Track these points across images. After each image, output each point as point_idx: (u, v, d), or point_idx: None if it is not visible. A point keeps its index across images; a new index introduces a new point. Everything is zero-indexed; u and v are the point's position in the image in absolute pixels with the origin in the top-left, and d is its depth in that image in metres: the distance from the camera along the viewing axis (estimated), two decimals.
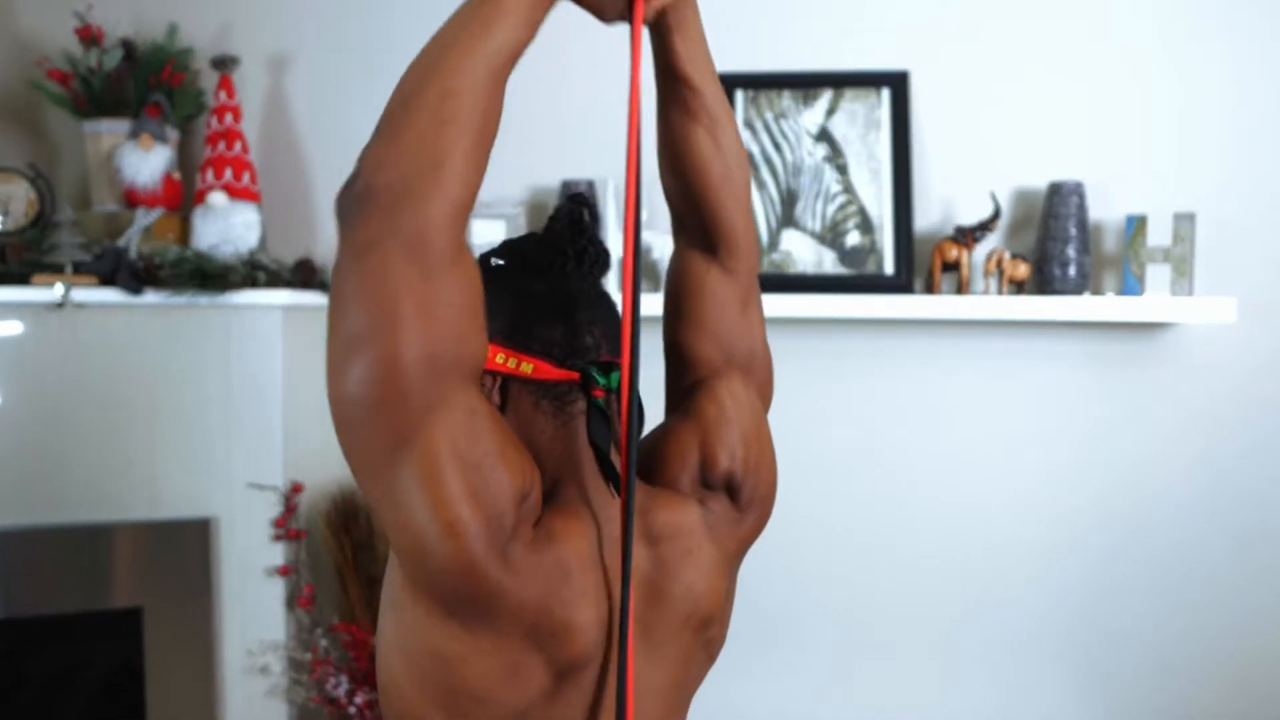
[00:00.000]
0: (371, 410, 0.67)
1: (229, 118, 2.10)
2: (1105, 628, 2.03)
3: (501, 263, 0.87)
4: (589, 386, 0.82)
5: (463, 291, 0.69)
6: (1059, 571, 2.04)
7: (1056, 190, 1.95)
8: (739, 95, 2.12)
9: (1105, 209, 2.00)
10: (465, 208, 0.69)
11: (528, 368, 0.81)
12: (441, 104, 0.67)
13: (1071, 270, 1.94)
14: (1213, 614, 1.99)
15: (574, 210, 0.86)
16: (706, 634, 0.87)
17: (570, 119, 2.15)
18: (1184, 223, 1.89)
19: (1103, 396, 2.02)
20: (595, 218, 0.87)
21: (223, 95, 2.11)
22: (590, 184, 2.09)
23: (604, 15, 0.80)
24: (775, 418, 0.97)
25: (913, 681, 2.10)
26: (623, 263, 0.79)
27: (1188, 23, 1.99)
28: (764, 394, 0.95)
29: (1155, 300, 1.90)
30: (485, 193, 2.24)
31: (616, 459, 0.81)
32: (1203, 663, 2.00)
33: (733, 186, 0.89)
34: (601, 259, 0.86)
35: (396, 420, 0.67)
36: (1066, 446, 2.03)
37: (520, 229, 2.09)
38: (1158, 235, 1.92)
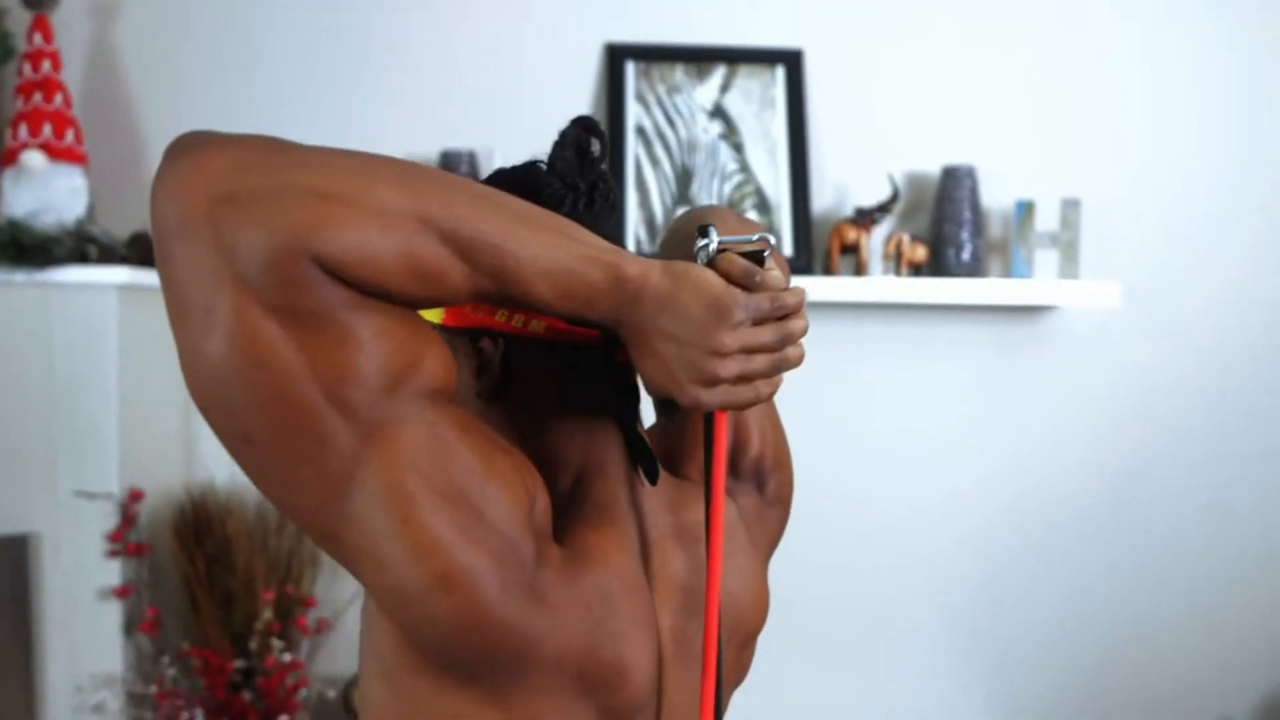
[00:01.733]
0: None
1: (46, 65, 1.79)
2: (999, 606, 2.06)
3: None
4: (613, 348, 0.67)
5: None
6: (952, 550, 2.06)
7: (950, 174, 1.96)
8: (630, 67, 2.01)
9: (996, 194, 2.02)
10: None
11: (539, 326, 0.66)
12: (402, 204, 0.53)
13: (965, 254, 1.95)
14: (1098, 587, 2.06)
15: (581, 138, 0.70)
16: (744, 654, 0.75)
17: (452, 85, 1.98)
18: (1070, 208, 1.93)
19: (995, 379, 2.05)
20: (605, 148, 0.70)
21: (38, 39, 1.80)
22: (473, 155, 1.93)
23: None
24: None
25: (826, 679, 2.06)
26: None
27: (1076, 11, 2.04)
28: None
29: (1044, 284, 1.93)
30: None
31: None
32: (1084, 631, 2.06)
33: None
34: (612, 199, 0.71)
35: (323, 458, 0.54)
36: (963, 428, 2.04)
37: None
38: (1045, 220, 1.95)
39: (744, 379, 0.59)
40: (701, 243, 0.61)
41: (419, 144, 1.94)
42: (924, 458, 2.05)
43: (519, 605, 0.55)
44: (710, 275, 0.58)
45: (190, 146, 0.53)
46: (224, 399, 0.52)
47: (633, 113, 2.00)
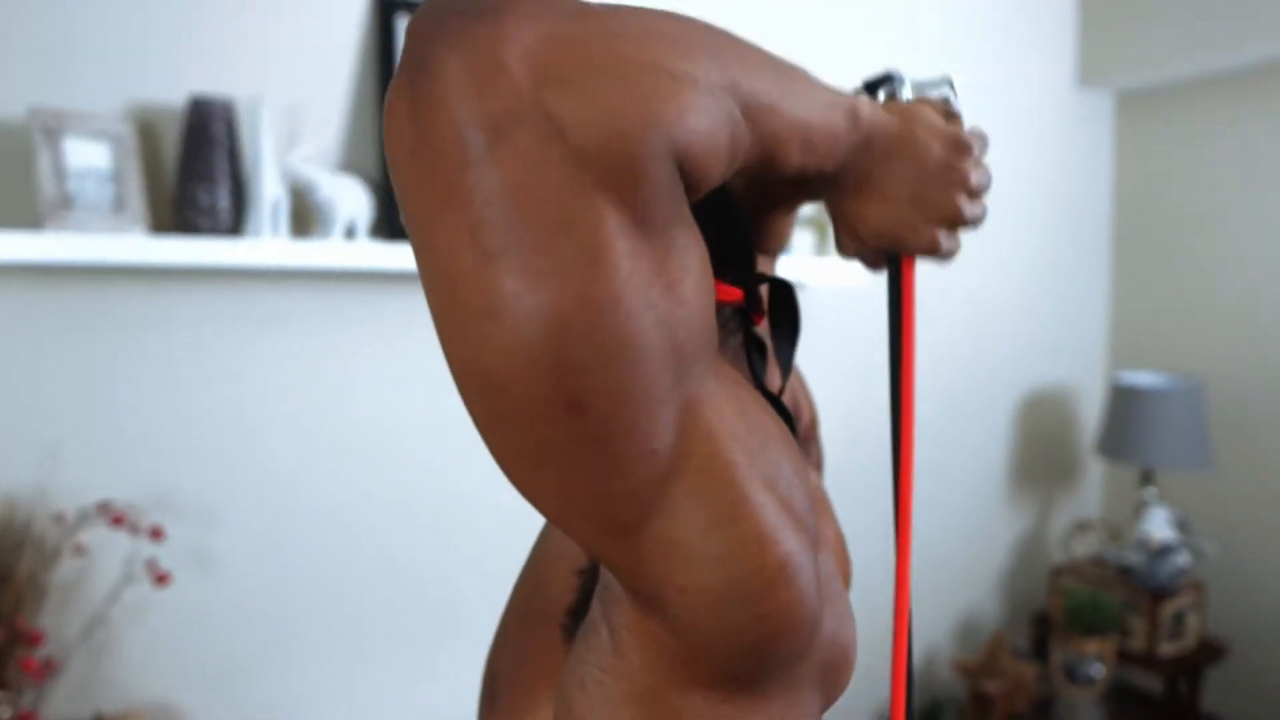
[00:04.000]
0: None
1: None
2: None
3: None
4: (752, 309, 0.60)
5: None
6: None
7: None
8: (405, 21, 1.87)
9: None
10: None
11: None
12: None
13: None
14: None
15: None
16: None
17: (198, 18, 1.71)
18: None
19: None
20: None
21: None
22: (229, 103, 1.68)
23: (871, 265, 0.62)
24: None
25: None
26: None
27: None
28: None
29: (800, 261, 2.10)
30: (81, 103, 1.73)
31: None
32: None
33: None
34: None
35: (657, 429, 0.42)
36: None
37: (130, 152, 1.61)
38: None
39: (974, 221, 0.58)
40: (888, 90, 0.59)
41: (159, 89, 1.67)
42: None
43: (816, 594, 0.49)
44: (931, 112, 0.57)
45: (475, 16, 0.39)
46: (560, 352, 0.39)
47: None
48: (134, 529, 1.60)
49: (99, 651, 1.65)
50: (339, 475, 1.83)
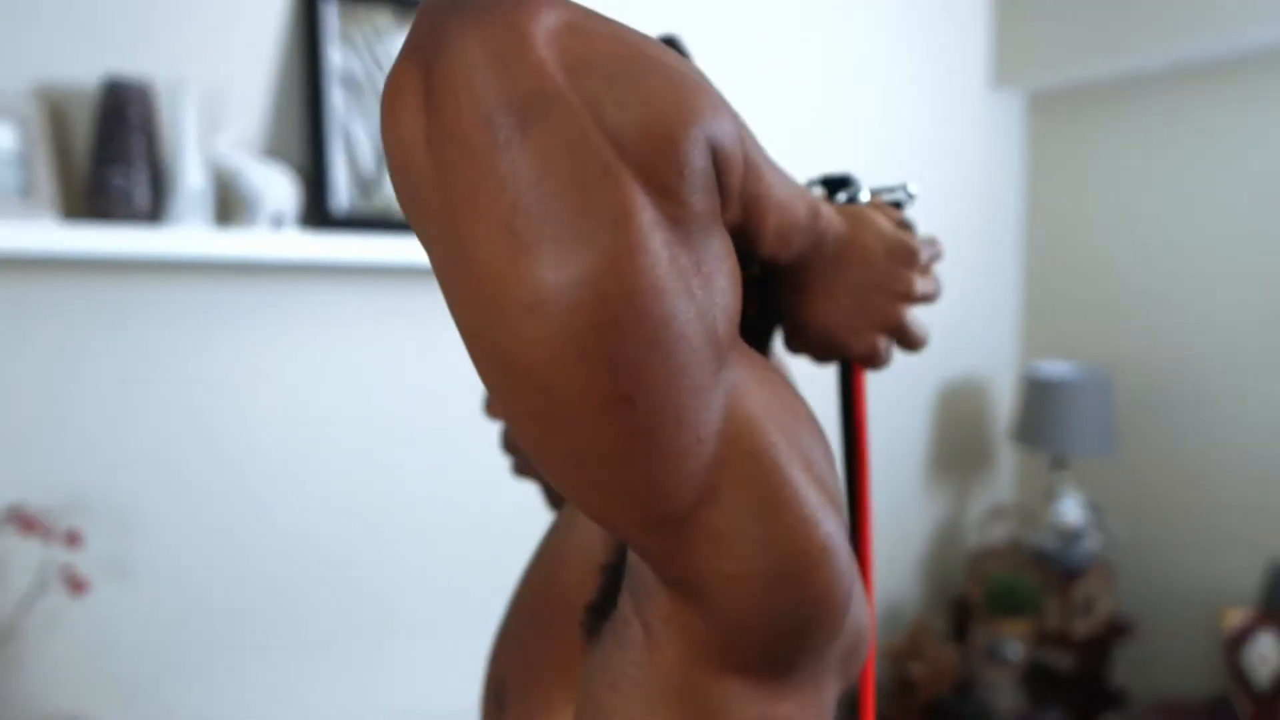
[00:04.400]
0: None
1: None
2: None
3: None
4: (765, 280, 0.59)
5: None
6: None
7: None
8: (334, 6, 1.81)
9: None
10: None
11: None
12: None
13: None
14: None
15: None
16: None
17: (122, 3, 1.63)
18: None
19: None
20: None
21: None
22: (145, 86, 1.60)
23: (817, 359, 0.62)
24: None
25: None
26: None
27: None
28: None
29: None
30: None
31: None
32: None
33: None
34: None
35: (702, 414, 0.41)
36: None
37: (39, 135, 1.52)
38: None
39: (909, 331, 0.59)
40: (847, 193, 0.60)
41: (68, 68, 1.57)
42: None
43: (850, 573, 0.48)
44: (883, 219, 0.57)
45: (498, 5, 0.37)
46: (608, 345, 0.37)
47: (338, 57, 1.81)
48: (48, 534, 1.51)
49: (10, 666, 1.55)
50: (265, 477, 1.76)
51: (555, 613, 0.55)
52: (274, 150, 1.76)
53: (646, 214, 0.37)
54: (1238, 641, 2.29)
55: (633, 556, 0.49)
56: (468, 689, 2.00)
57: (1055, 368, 2.79)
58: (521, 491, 2.04)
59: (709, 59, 2.25)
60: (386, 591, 1.90)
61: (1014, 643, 2.61)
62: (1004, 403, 3.16)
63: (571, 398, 0.38)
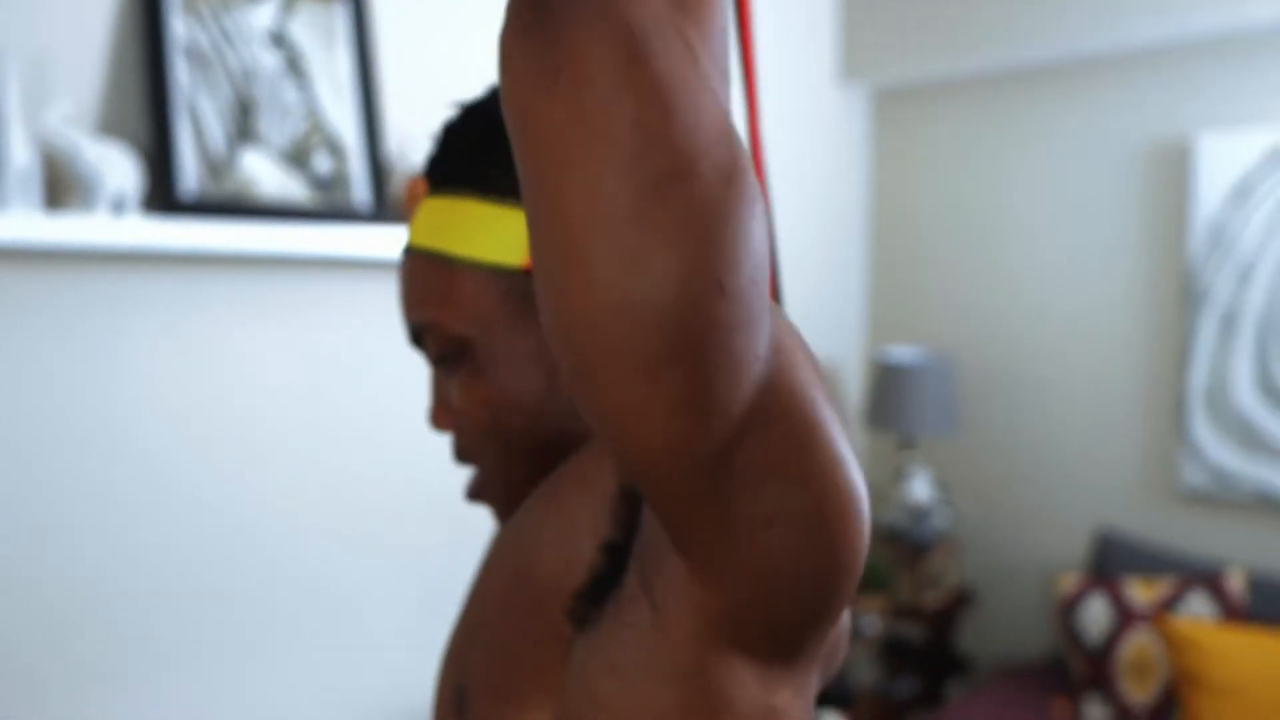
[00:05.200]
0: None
1: None
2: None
3: None
4: None
5: None
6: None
7: None
8: None
9: None
10: None
11: None
12: None
13: None
14: None
15: None
16: None
17: None
18: None
19: None
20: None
21: None
22: None
23: None
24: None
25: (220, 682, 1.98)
26: None
27: None
28: None
29: None
30: None
31: None
32: None
33: None
34: None
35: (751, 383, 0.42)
36: None
37: None
38: None
39: None
40: None
41: None
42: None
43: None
44: None
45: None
46: (718, 222, 0.38)
47: (182, 26, 1.66)
48: None
49: None
50: (117, 475, 1.61)
51: (531, 606, 0.52)
52: (111, 127, 1.61)
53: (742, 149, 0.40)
54: (1070, 605, 2.47)
55: (645, 530, 0.48)
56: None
57: (902, 353, 2.91)
58: (385, 489, 1.95)
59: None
60: (260, 596, 1.78)
61: (870, 616, 2.71)
62: (854, 387, 3.28)
63: (672, 278, 0.37)
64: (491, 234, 0.57)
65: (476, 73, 2.04)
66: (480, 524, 2.09)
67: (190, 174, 1.64)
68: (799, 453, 0.42)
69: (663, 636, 0.47)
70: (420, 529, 1.99)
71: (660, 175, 0.36)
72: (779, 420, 0.42)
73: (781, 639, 0.47)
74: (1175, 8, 2.43)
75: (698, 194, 0.37)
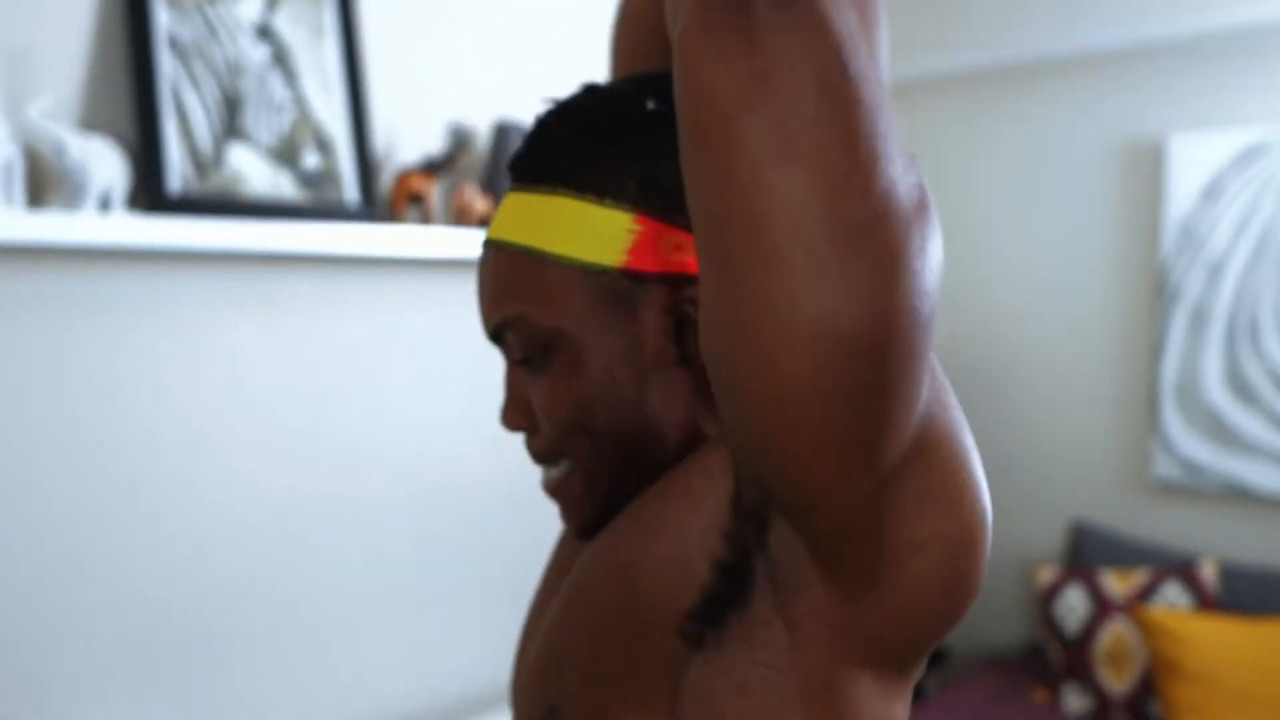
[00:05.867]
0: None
1: None
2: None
3: (656, 106, 0.58)
4: None
5: None
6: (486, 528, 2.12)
7: (504, 131, 1.98)
8: None
9: None
10: None
11: None
12: None
13: None
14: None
15: None
16: None
17: None
18: None
19: None
20: None
21: None
22: None
23: None
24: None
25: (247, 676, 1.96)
26: None
27: None
28: None
29: None
30: None
31: None
32: None
33: None
34: None
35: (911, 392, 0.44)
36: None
37: None
38: None
39: None
40: None
41: None
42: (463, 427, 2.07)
43: None
44: None
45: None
46: (904, 274, 0.38)
47: (166, 19, 1.62)
48: None
49: None
50: (104, 474, 1.58)
51: (636, 627, 0.51)
52: (95, 122, 1.57)
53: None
54: (1048, 596, 2.51)
55: (779, 553, 0.48)
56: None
57: None
58: (372, 490, 1.93)
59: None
60: (258, 596, 1.75)
61: None
62: None
63: (878, 305, 0.38)
64: (587, 232, 0.55)
65: (465, 68, 2.02)
66: (477, 521, 2.07)
67: (177, 170, 1.61)
68: (953, 478, 0.44)
69: (799, 655, 0.48)
70: (414, 527, 1.97)
71: (870, 199, 0.36)
72: (937, 447, 0.44)
73: (906, 653, 0.49)
74: (1150, 10, 2.47)
75: (901, 220, 0.37)
